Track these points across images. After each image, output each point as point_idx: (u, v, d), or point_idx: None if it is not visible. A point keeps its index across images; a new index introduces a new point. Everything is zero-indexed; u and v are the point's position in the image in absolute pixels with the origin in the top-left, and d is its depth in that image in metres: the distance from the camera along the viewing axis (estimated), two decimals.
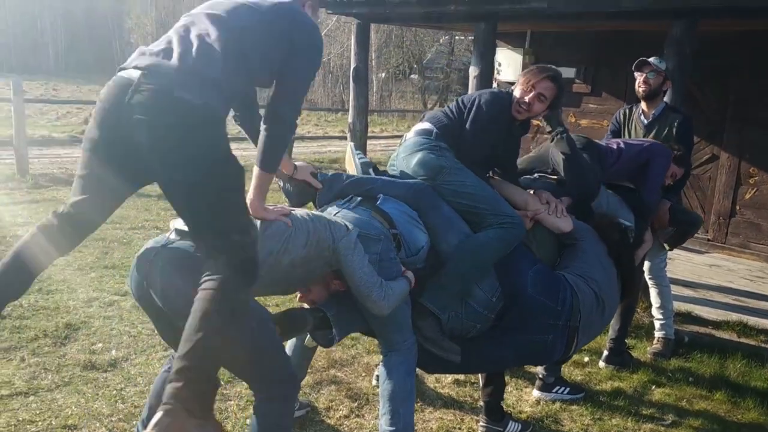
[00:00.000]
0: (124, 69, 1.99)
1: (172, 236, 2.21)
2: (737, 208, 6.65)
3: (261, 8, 2.19)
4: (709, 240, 6.83)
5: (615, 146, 3.78)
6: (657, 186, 3.84)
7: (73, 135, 14.34)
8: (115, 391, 3.35)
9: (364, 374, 3.78)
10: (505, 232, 2.81)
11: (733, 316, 4.83)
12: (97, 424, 3.03)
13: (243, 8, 2.16)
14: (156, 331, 4.10)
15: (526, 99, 2.99)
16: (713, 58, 6.35)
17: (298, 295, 2.68)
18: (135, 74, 1.92)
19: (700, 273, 5.96)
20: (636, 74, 4.23)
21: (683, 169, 4.05)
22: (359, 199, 2.76)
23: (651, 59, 4.18)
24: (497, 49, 7.53)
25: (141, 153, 1.92)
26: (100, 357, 3.72)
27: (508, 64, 7.66)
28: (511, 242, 2.84)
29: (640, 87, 4.22)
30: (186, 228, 2.11)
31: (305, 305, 2.70)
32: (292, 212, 2.44)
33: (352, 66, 6.62)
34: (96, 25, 46.84)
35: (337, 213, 2.64)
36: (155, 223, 7.00)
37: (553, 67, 3.13)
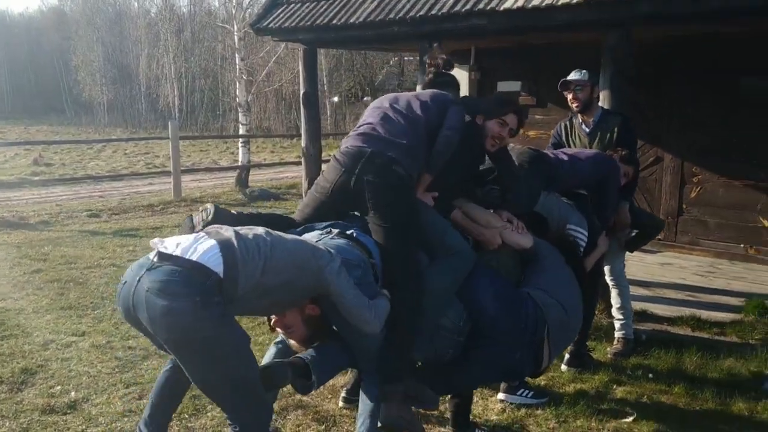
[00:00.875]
0: (351, 146, 2.90)
1: (155, 259, 2.23)
2: (684, 206, 6.88)
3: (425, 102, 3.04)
4: (659, 240, 7.01)
5: (566, 158, 3.89)
6: (614, 203, 4.04)
7: (23, 177, 14.05)
8: None
9: (330, 396, 3.78)
10: (454, 263, 2.93)
11: (687, 311, 4.97)
12: None
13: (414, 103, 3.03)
14: (117, 369, 4.05)
15: (504, 134, 3.23)
16: (650, 65, 6.60)
17: (273, 319, 2.71)
18: (366, 151, 2.83)
19: (653, 272, 6.13)
20: (565, 93, 4.38)
21: (632, 167, 4.20)
22: (337, 230, 2.82)
23: (571, 75, 4.34)
24: None
25: (358, 199, 2.83)
26: (59, 400, 3.64)
27: None
28: (463, 271, 2.95)
29: (572, 104, 4.38)
30: (166, 250, 2.25)
31: (279, 330, 2.74)
32: (273, 233, 2.47)
33: (302, 91, 6.67)
34: (41, 66, 46.11)
35: (317, 242, 2.66)
36: (112, 260, 6.88)
37: (512, 99, 3.31)
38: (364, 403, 2.74)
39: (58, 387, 3.81)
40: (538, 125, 7.57)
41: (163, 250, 2.25)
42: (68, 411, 3.52)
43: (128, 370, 4.07)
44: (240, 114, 14.23)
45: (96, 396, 3.71)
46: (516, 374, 3.25)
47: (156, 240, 2.33)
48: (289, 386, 3.77)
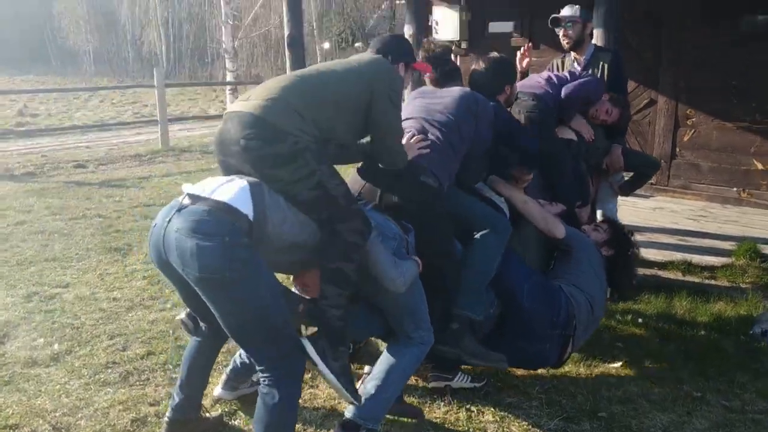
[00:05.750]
0: None
1: (186, 201, 2.24)
2: (677, 150, 6.77)
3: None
4: (652, 184, 6.92)
5: (555, 80, 3.80)
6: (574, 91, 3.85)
7: (7, 128, 13.78)
8: (58, 386, 3.24)
9: None
10: (493, 230, 3.01)
11: (678, 256, 4.92)
12: (40, 421, 2.92)
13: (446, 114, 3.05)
14: (101, 321, 4.00)
15: None
16: (645, 2, 6.39)
17: (293, 278, 2.71)
18: None
19: (645, 216, 6.06)
20: (556, 30, 4.27)
21: (619, 109, 4.09)
22: (373, 203, 2.81)
23: (563, 11, 4.21)
24: (433, 7, 7.45)
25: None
26: (42, 352, 3.59)
27: (445, 23, 7.57)
28: (503, 238, 3.03)
29: (563, 41, 4.30)
30: (196, 192, 2.26)
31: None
32: None
33: (286, 33, 6.43)
34: (23, 13, 44.86)
35: None
36: (97, 211, 6.77)
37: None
38: (386, 358, 2.75)
39: (41, 339, 3.76)
40: (531, 67, 7.34)
41: (192, 191, 2.25)
42: (51, 363, 3.48)
43: (112, 322, 4.02)
44: (227, 60, 13.92)
45: (79, 348, 3.66)
46: (539, 365, 3.28)
47: (187, 185, 2.34)
48: None
